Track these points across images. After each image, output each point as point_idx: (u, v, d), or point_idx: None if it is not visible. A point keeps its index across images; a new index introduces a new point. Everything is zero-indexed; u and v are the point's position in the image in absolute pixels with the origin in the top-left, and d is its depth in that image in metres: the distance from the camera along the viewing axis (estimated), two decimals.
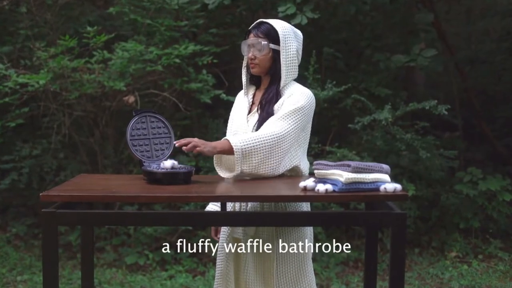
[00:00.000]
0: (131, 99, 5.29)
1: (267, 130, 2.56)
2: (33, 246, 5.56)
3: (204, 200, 2.42)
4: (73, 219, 2.27)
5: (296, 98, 2.65)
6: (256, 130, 2.66)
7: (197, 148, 2.47)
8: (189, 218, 2.36)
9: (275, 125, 2.58)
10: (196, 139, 2.51)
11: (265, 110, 2.68)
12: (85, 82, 5.16)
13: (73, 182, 2.57)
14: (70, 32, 5.61)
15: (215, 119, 5.79)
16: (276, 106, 2.67)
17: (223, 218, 2.39)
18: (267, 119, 2.64)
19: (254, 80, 2.82)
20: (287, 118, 2.60)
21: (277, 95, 2.69)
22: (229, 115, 2.91)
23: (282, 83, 2.70)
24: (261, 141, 2.52)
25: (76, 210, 2.35)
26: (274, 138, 2.53)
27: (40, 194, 2.23)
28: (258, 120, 2.68)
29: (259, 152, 2.51)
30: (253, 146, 2.50)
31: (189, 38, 5.79)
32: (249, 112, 2.76)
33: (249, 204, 2.67)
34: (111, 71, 5.19)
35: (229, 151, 2.51)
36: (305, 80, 5.06)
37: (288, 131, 2.58)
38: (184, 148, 2.47)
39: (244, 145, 2.49)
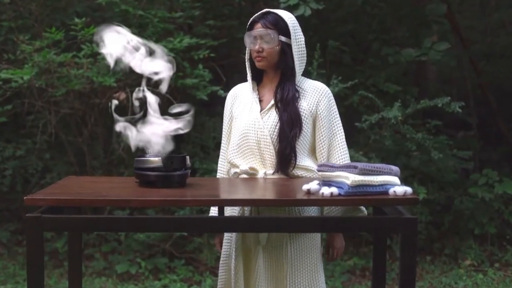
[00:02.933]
0: (122, 95, 5.29)
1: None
2: (17, 253, 5.56)
3: (200, 204, 2.42)
4: (60, 224, 2.27)
5: (333, 105, 2.79)
6: (279, 130, 2.66)
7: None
8: (184, 223, 2.37)
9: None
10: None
11: (289, 110, 2.68)
12: (73, 78, 5.15)
13: (59, 185, 2.57)
14: (57, 24, 5.60)
15: (212, 117, 5.79)
16: (305, 106, 2.70)
17: (222, 223, 2.39)
18: (292, 118, 2.67)
19: (255, 75, 2.82)
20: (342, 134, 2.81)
21: (297, 92, 2.73)
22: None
23: (297, 79, 2.74)
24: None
25: (63, 215, 2.35)
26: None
27: (24, 197, 2.24)
28: (281, 120, 2.68)
29: None
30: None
31: (184, 30, 5.79)
32: (261, 109, 2.75)
33: (247, 208, 2.68)
34: (100, 65, 5.18)
35: None
36: (309, 75, 5.05)
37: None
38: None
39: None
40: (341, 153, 2.77)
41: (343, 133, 2.80)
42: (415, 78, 7.03)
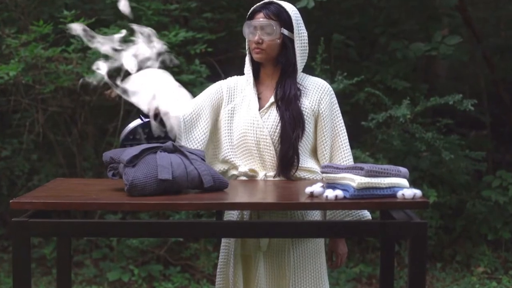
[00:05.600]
0: (114, 93, 5.28)
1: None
2: (2, 260, 5.56)
3: (197, 208, 2.42)
4: (48, 229, 2.27)
5: (335, 103, 2.79)
6: (281, 131, 2.66)
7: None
8: (179, 228, 2.36)
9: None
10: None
11: (291, 109, 2.68)
12: (61, 74, 5.15)
13: (47, 188, 2.57)
14: (45, 16, 5.60)
15: None
16: (307, 105, 2.71)
17: (220, 228, 2.38)
18: (294, 118, 2.66)
19: (252, 70, 2.80)
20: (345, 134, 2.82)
21: (299, 90, 2.72)
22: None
23: (298, 76, 2.74)
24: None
25: (51, 219, 2.35)
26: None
27: (10, 201, 2.23)
28: (283, 120, 2.67)
29: None
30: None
31: (180, 23, 5.79)
32: (259, 107, 2.74)
33: (246, 212, 2.68)
34: (90, 61, 5.18)
35: None
36: (312, 71, 5.06)
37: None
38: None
39: None
40: (344, 154, 2.77)
41: (346, 133, 2.80)
42: (424, 74, 7.03)
